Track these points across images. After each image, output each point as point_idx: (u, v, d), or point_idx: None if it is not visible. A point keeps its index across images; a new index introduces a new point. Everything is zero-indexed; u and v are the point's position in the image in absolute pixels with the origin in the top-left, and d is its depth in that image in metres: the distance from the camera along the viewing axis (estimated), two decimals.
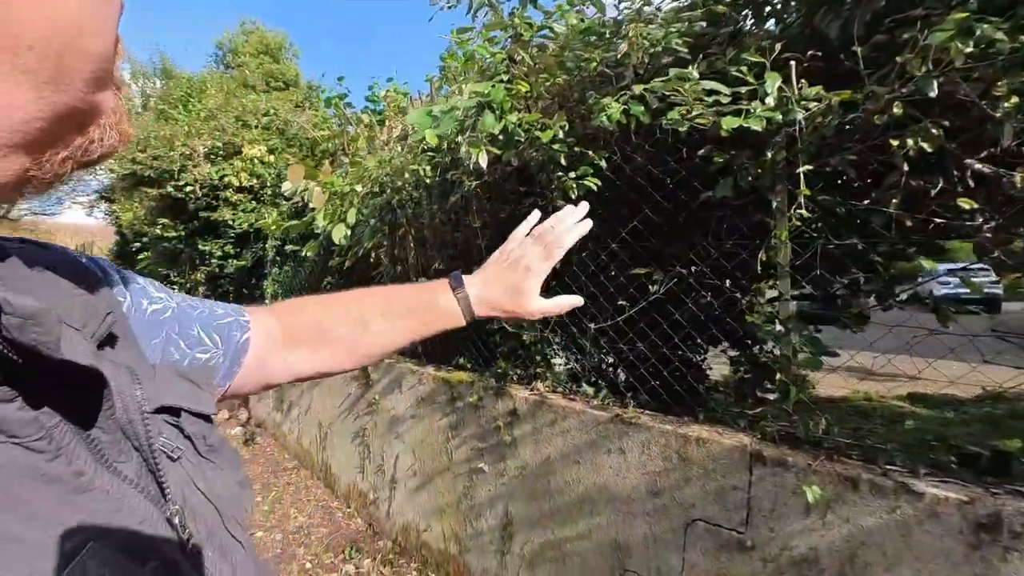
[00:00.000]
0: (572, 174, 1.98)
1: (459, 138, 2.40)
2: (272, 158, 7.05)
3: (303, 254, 2.72)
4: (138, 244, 11.24)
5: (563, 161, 1.97)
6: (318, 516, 3.13)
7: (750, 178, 1.57)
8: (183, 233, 7.63)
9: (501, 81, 1.78)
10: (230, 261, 7.29)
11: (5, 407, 0.26)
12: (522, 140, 1.93)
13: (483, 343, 2.61)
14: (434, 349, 2.97)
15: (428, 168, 2.64)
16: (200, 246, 7.44)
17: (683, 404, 1.75)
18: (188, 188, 7.03)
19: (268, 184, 6.92)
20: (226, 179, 6.92)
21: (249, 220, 6.80)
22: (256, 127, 7.39)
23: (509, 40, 1.92)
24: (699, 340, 2.03)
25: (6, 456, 0.26)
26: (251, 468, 3.82)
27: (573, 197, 2.00)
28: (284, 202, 6.40)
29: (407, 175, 2.56)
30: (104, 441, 0.32)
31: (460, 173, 2.42)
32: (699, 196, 1.72)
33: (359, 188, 2.42)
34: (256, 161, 6.95)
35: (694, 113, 1.53)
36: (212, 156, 7.16)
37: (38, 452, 0.27)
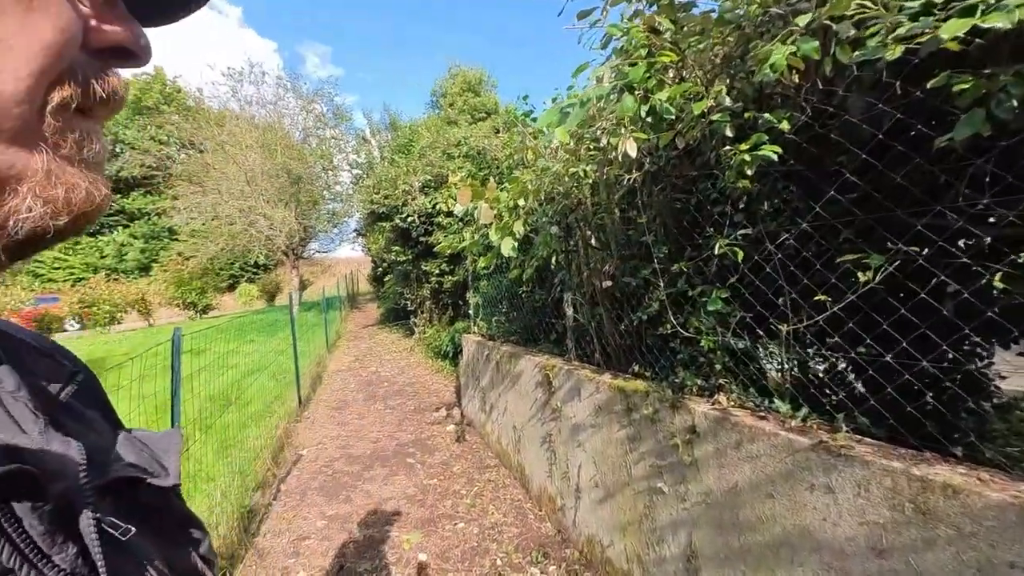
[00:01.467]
0: (743, 146, 1.66)
1: (589, 130, 2.26)
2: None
3: (480, 267, 2.89)
4: (382, 268, 13.73)
5: (729, 132, 1.66)
6: (512, 515, 3.27)
7: (1014, 103, 1.07)
8: (410, 256, 9.00)
9: (641, 58, 1.58)
10: (446, 278, 8.30)
11: None
12: (674, 118, 1.69)
13: (659, 349, 2.37)
14: (613, 355, 2.83)
15: (588, 168, 2.54)
16: (423, 267, 8.67)
17: (922, 431, 1.28)
18: (410, 219, 8.26)
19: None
20: (437, 206, 7.91)
21: (457, 240, 7.66)
22: (457, 156, 8.28)
23: (646, 7, 1.70)
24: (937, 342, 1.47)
25: None
26: (459, 463, 4.23)
27: (749, 173, 1.68)
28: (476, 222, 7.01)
29: (567, 180, 2.51)
30: (37, 531, 0.29)
31: (617, 168, 2.26)
32: (928, 144, 1.25)
33: (522, 202, 2.46)
34: (457, 187, 7.77)
35: (901, 31, 1.11)
36: (425, 189, 8.28)
37: None
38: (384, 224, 9.33)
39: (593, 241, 3.04)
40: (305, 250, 18.46)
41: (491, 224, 2.66)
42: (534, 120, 5.88)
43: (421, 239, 8.40)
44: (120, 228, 31.23)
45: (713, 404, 1.91)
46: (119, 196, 30.41)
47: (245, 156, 15.09)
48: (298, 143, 16.43)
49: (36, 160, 0.27)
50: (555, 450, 3.15)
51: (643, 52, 1.59)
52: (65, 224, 0.28)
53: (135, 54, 0.31)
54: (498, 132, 10.33)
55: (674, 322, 2.12)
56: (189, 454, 4.33)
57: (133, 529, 0.35)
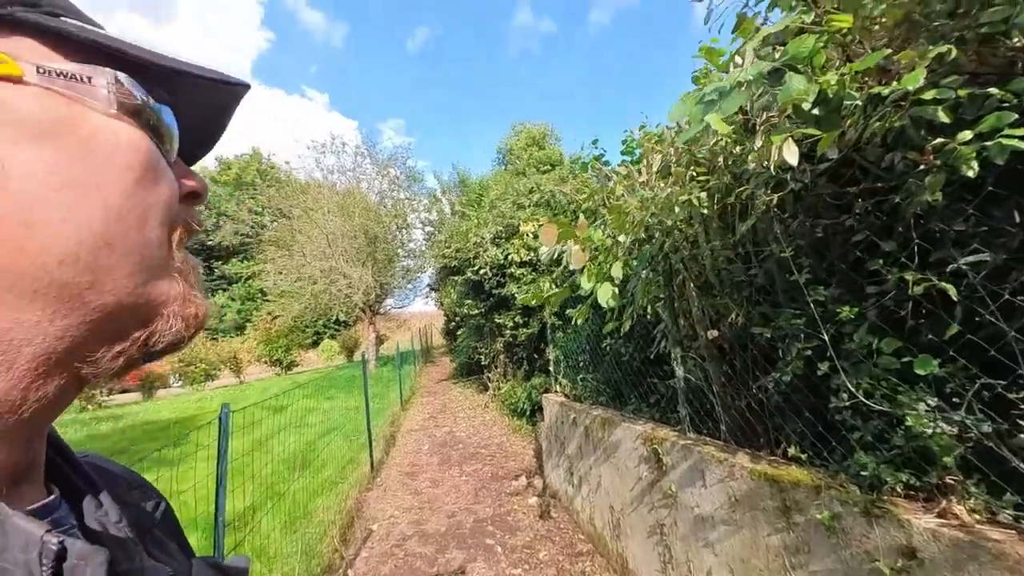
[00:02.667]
0: (966, 134, 1.14)
1: (702, 147, 1.80)
2: None
3: (574, 321, 2.45)
4: (455, 322, 13.64)
5: (945, 118, 1.16)
6: None
7: None
8: (483, 310, 8.75)
9: (803, 24, 1.15)
10: (520, 331, 7.91)
11: None
12: (854, 105, 1.21)
13: (823, 422, 1.77)
14: (746, 426, 2.23)
15: (702, 195, 2.07)
16: (496, 320, 8.35)
17: None
18: (481, 271, 8.06)
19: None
20: (509, 257, 7.66)
21: (535, 294, 7.31)
22: (528, 206, 8.07)
23: None
24: None
25: None
26: (546, 547, 3.63)
27: (971, 174, 1.16)
28: (556, 268, 6.63)
29: (676, 209, 2.05)
30: None
31: (748, 188, 1.78)
32: None
33: (622, 238, 2.03)
34: (530, 236, 7.50)
35: None
36: (497, 240, 8.09)
37: None
38: (456, 278, 9.22)
39: (706, 282, 2.53)
40: (381, 306, 18.96)
41: (583, 268, 2.24)
42: (606, 163, 5.54)
43: (494, 291, 8.13)
44: (220, 291, 34.21)
45: (941, 515, 1.29)
46: (220, 262, 33.50)
47: (326, 220, 15.97)
48: (374, 205, 17.22)
49: (175, 288, 0.35)
50: (670, 546, 2.52)
51: (805, 18, 1.15)
52: (189, 336, 0.36)
53: (201, 196, 0.39)
54: (564, 180, 10.14)
55: (852, 390, 1.54)
56: (257, 528, 4.07)
57: None
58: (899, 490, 1.42)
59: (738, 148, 2.06)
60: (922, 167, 1.33)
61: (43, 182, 0.28)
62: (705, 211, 2.12)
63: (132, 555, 0.34)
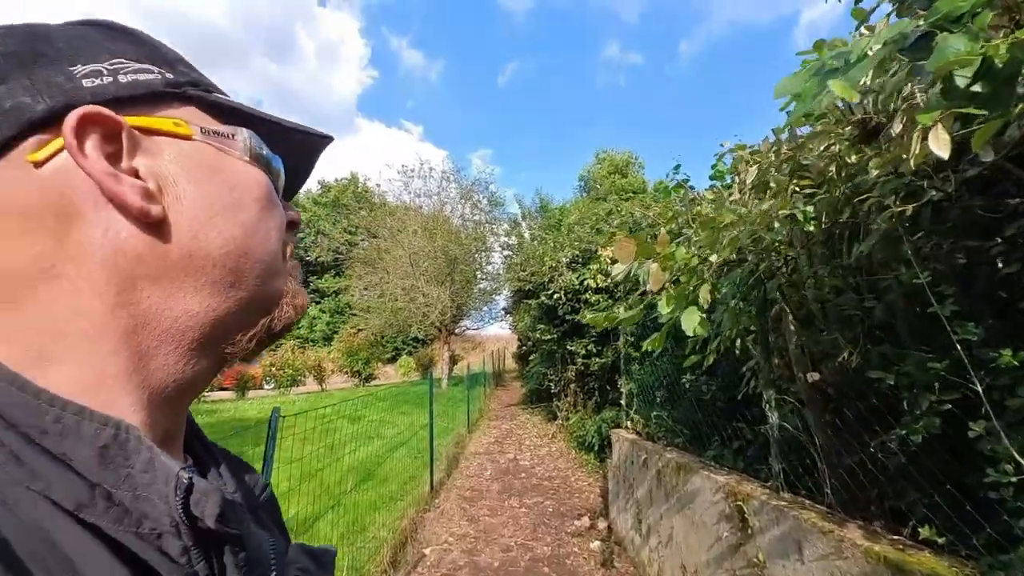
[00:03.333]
0: None
1: (811, 152, 1.49)
2: None
3: (645, 349, 2.19)
4: (527, 347, 13.47)
5: None
6: None
7: None
8: (556, 336, 8.50)
9: None
10: (593, 360, 7.56)
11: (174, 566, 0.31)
12: None
13: (970, 499, 1.38)
14: (853, 490, 1.83)
15: (808, 209, 1.77)
16: (568, 346, 8.07)
17: None
18: (555, 295, 7.86)
19: (620, 281, 7.01)
20: (585, 283, 7.40)
21: (609, 315, 6.97)
22: (606, 230, 7.81)
23: None
24: None
25: None
26: None
27: None
28: (631, 295, 6.28)
29: (776, 225, 1.76)
30: None
31: (872, 198, 1.47)
32: None
33: (713, 258, 1.77)
34: (608, 260, 7.21)
35: None
36: (573, 265, 7.88)
37: None
38: (530, 302, 9.09)
39: (808, 314, 2.17)
40: (457, 326, 19.29)
41: (662, 291, 1.99)
42: (691, 187, 5.19)
43: (567, 317, 7.89)
44: (313, 304, 36.76)
45: None
46: (315, 277, 36.05)
47: (411, 240, 16.64)
48: (456, 228, 17.72)
49: (287, 285, 0.45)
50: None
51: None
52: (295, 321, 0.46)
53: (297, 224, 0.50)
54: (648, 206, 9.74)
55: (1018, 459, 1.16)
56: (316, 535, 4.08)
57: None
58: None
59: (854, 156, 1.74)
60: None
61: (206, 208, 0.39)
62: (812, 228, 1.81)
63: (241, 518, 0.38)
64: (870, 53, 0.83)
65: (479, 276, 18.34)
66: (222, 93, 0.46)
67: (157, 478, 0.31)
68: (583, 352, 7.67)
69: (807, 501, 2.02)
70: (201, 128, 0.40)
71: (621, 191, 17.26)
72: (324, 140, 0.52)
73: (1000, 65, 0.88)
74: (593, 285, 7.28)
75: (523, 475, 6.52)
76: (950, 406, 1.48)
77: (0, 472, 0.28)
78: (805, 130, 2.45)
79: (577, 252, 7.84)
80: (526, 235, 17.18)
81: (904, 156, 1.01)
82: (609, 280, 7.10)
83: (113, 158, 0.35)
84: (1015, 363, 1.25)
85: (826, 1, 2.03)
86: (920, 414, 1.57)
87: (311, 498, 4.29)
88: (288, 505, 3.96)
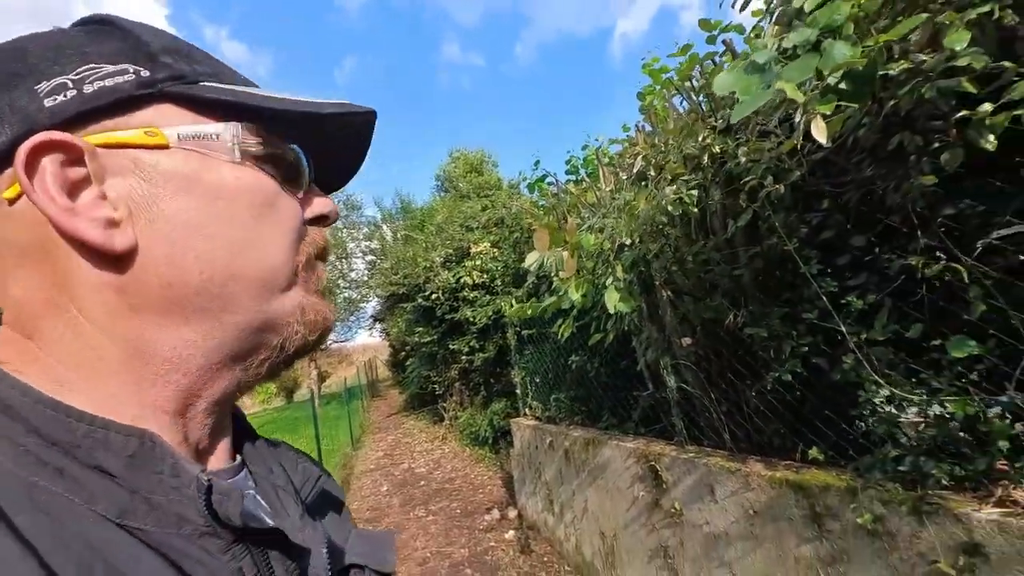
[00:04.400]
0: (985, 107, 1.11)
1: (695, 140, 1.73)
2: (496, 251, 7.37)
3: (559, 334, 2.29)
4: (403, 352, 13.11)
5: (971, 88, 1.13)
6: None
7: None
8: (436, 336, 8.41)
9: None
10: (477, 355, 7.64)
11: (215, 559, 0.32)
12: (884, 74, 1.16)
13: (845, 422, 1.70)
14: (749, 433, 2.14)
15: (693, 193, 2.00)
16: (450, 346, 8.05)
17: None
18: (433, 295, 7.78)
19: (497, 276, 7.18)
20: (461, 280, 7.44)
21: (486, 313, 7.08)
22: (477, 228, 7.93)
23: None
24: None
25: None
26: None
27: (990, 147, 1.13)
28: (514, 289, 6.48)
29: (670, 208, 1.96)
30: None
31: (753, 180, 1.72)
32: None
33: (627, 240, 1.90)
34: (484, 257, 7.34)
35: None
36: (448, 264, 7.87)
37: None
38: (405, 305, 8.86)
39: (675, 291, 2.46)
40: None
41: (570, 278, 2.10)
42: (550, 184, 5.52)
43: (446, 317, 7.86)
44: None
45: (1000, 505, 1.21)
46: None
47: None
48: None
49: (295, 300, 0.40)
50: (677, 569, 2.36)
51: None
52: (315, 339, 0.42)
53: (328, 217, 0.45)
54: (507, 204, 10.16)
55: (879, 380, 1.47)
56: None
57: None
58: (945, 483, 1.34)
59: (718, 147, 2.02)
60: (936, 144, 1.30)
61: (183, 227, 0.35)
62: (695, 210, 2.05)
63: (286, 507, 0.42)
64: (785, 54, 0.97)
65: (342, 285, 17.31)
66: (221, 80, 0.39)
67: (183, 482, 0.32)
68: (466, 349, 7.71)
69: (712, 449, 2.31)
70: (179, 133, 0.36)
71: (479, 189, 17.62)
72: (365, 116, 0.44)
73: (861, 67, 1.09)
74: (470, 282, 7.36)
75: (422, 483, 6.37)
76: (806, 348, 1.82)
77: (46, 487, 0.28)
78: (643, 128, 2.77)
79: (451, 251, 7.84)
80: (388, 237, 16.64)
81: (769, 146, 1.21)
82: (485, 277, 7.23)
83: (77, 186, 0.33)
84: (864, 306, 1.57)
85: (733, 7, 2.27)
86: (785, 358, 1.89)
87: None
88: None
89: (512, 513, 4.75)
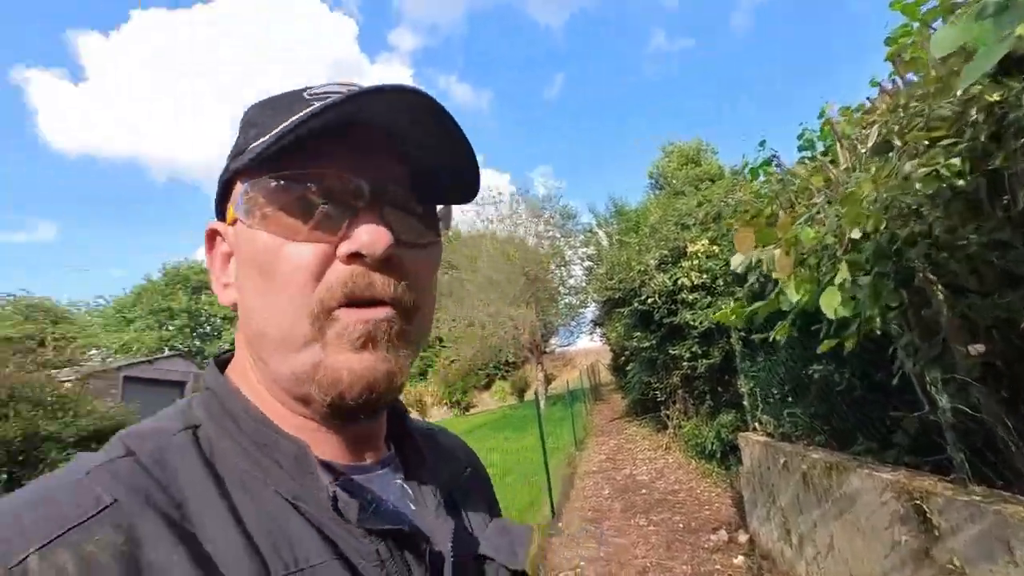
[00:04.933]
0: None
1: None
2: (716, 248, 6.84)
3: (773, 339, 2.03)
4: (623, 357, 13.11)
5: None
6: None
7: None
8: (654, 341, 8.18)
9: None
10: (700, 361, 7.18)
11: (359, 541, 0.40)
12: None
13: None
14: None
15: (953, 162, 1.56)
16: (670, 351, 7.73)
17: None
18: (649, 299, 7.61)
19: (719, 275, 6.65)
20: (679, 282, 7.11)
21: (707, 316, 6.61)
22: (693, 225, 7.49)
23: None
24: None
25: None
26: None
27: None
28: (738, 288, 5.91)
29: (918, 186, 1.57)
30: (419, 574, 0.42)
31: None
32: None
33: (856, 233, 1.61)
34: (701, 256, 6.90)
35: None
36: (663, 266, 7.61)
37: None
38: (622, 310, 8.87)
39: (956, 283, 1.91)
40: (547, 345, 19.27)
41: (789, 277, 1.84)
42: (779, 165, 4.80)
43: (664, 321, 7.58)
44: None
45: None
46: None
47: (489, 266, 17.03)
48: (532, 247, 17.88)
49: (310, 357, 0.39)
50: None
51: None
52: (333, 400, 0.40)
53: (359, 255, 0.39)
54: (733, 191, 9.25)
55: None
56: None
57: None
58: None
59: (996, 94, 1.53)
60: None
61: (241, 289, 0.43)
62: (962, 183, 1.59)
63: (425, 498, 0.48)
64: None
65: (562, 291, 18.32)
66: (263, 134, 0.39)
67: (320, 486, 0.39)
68: (687, 355, 7.30)
69: (1006, 493, 1.74)
70: (235, 207, 0.42)
71: (697, 180, 16.53)
72: (407, 96, 0.36)
73: None
74: (688, 283, 6.97)
75: (643, 491, 6.28)
76: None
77: (249, 471, 0.39)
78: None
79: (665, 252, 7.57)
80: (604, 243, 16.95)
81: None
82: (705, 277, 6.77)
83: (225, 259, 0.46)
84: None
85: None
86: None
87: None
88: None
89: (742, 537, 4.31)
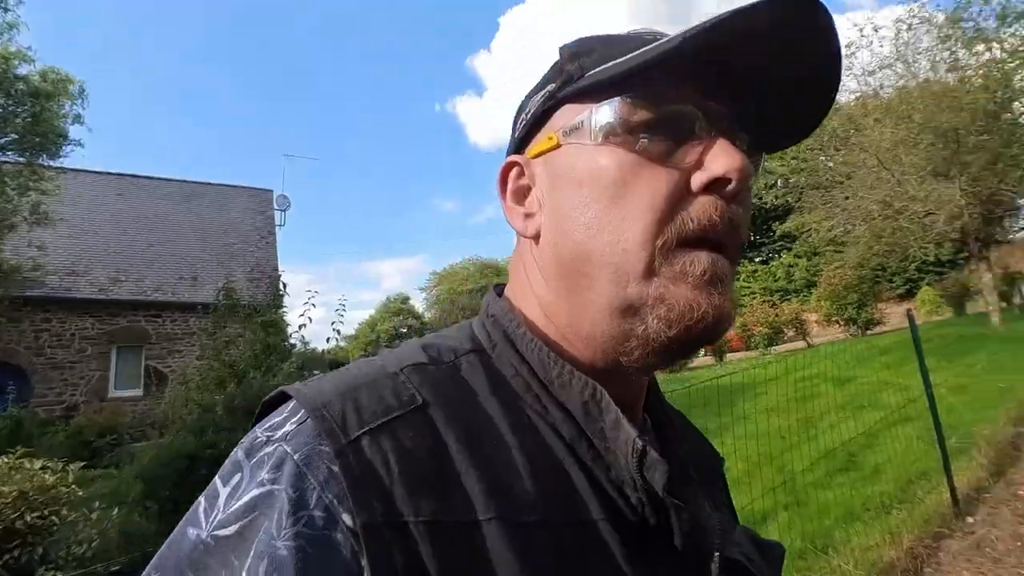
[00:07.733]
0: None
1: None
2: None
3: None
4: None
5: None
6: None
7: None
8: None
9: None
10: None
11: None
12: None
13: None
14: None
15: None
16: None
17: None
18: None
19: None
20: None
21: None
22: None
23: None
24: None
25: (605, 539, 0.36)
26: None
27: None
28: None
29: None
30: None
31: None
32: None
33: None
34: None
35: None
36: None
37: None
38: None
39: None
40: (997, 230, 12.90)
41: None
42: None
43: None
44: (785, 251, 33.33)
45: None
46: (777, 222, 32.57)
47: (870, 137, 12.32)
48: (942, 86, 11.76)
49: (650, 291, 0.37)
50: None
51: None
52: (677, 334, 0.37)
53: (721, 181, 0.37)
54: None
55: None
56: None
57: None
58: None
59: None
60: None
61: (559, 214, 0.42)
62: None
63: (684, 489, 0.41)
64: None
65: (1014, 143, 11.40)
66: (611, 59, 0.39)
67: (619, 437, 0.38)
68: None
69: None
70: (563, 131, 0.41)
71: None
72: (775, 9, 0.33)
73: None
74: None
75: None
76: None
77: (532, 407, 0.40)
78: None
79: None
80: None
81: None
82: None
83: (523, 192, 0.46)
84: None
85: None
86: None
87: (761, 489, 3.29)
88: (733, 495, 3.19)
89: None
